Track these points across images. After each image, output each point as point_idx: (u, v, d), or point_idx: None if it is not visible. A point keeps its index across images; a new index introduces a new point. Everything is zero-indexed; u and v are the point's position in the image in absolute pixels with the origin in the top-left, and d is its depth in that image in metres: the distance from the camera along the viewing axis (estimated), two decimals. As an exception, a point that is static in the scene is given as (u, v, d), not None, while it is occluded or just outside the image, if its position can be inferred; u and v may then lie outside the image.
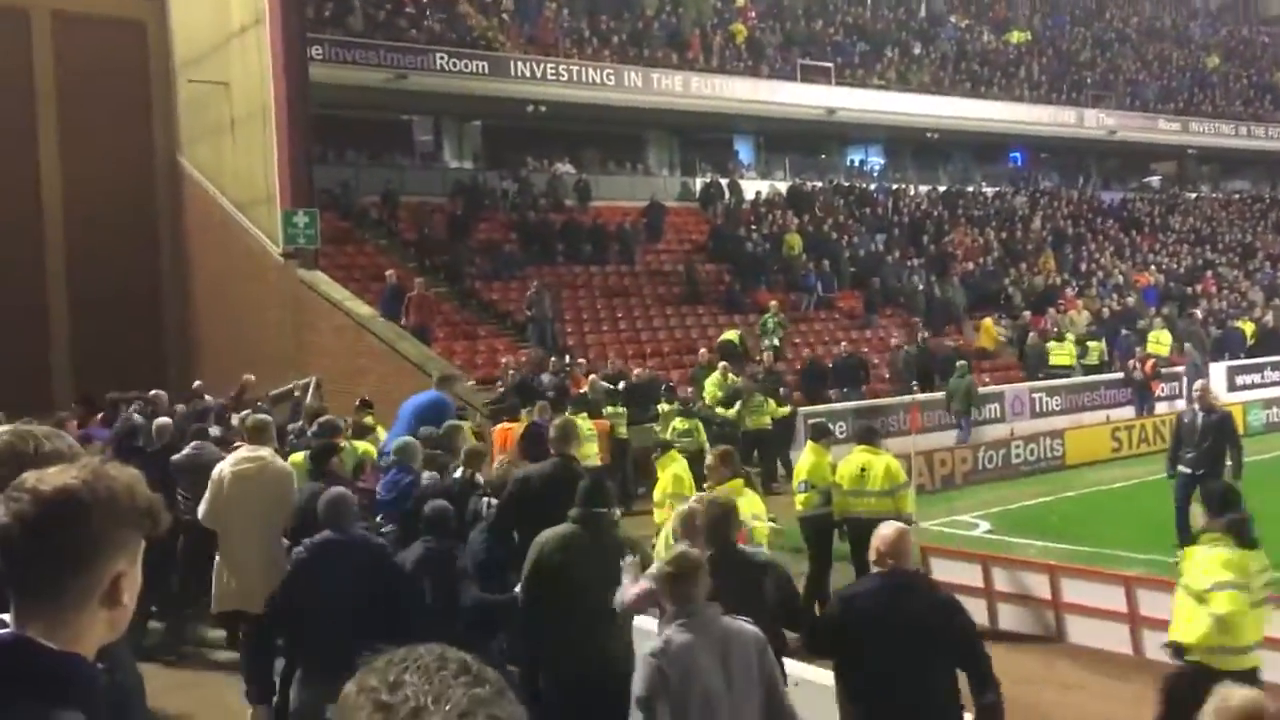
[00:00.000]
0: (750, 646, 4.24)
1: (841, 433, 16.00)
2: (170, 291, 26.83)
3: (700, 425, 15.61)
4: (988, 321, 24.45)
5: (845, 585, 5.73)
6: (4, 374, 21.72)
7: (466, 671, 1.13)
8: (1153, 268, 30.52)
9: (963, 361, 20.68)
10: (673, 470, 9.88)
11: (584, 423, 12.95)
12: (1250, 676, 5.72)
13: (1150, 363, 22.34)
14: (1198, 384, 14.09)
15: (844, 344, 22.22)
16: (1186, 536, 11.54)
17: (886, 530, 5.09)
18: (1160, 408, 22.09)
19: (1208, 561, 6.07)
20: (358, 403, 13.74)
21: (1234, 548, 6.08)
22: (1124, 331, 24.26)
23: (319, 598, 5.66)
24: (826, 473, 10.39)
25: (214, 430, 11.05)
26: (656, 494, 9.94)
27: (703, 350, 20.20)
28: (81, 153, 25.22)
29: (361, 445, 10.21)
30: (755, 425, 16.81)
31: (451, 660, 1.14)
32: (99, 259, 24.89)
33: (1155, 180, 40.76)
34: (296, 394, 18.41)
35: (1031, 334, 23.73)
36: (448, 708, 1.08)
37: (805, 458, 10.72)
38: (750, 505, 7.72)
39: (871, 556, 5.08)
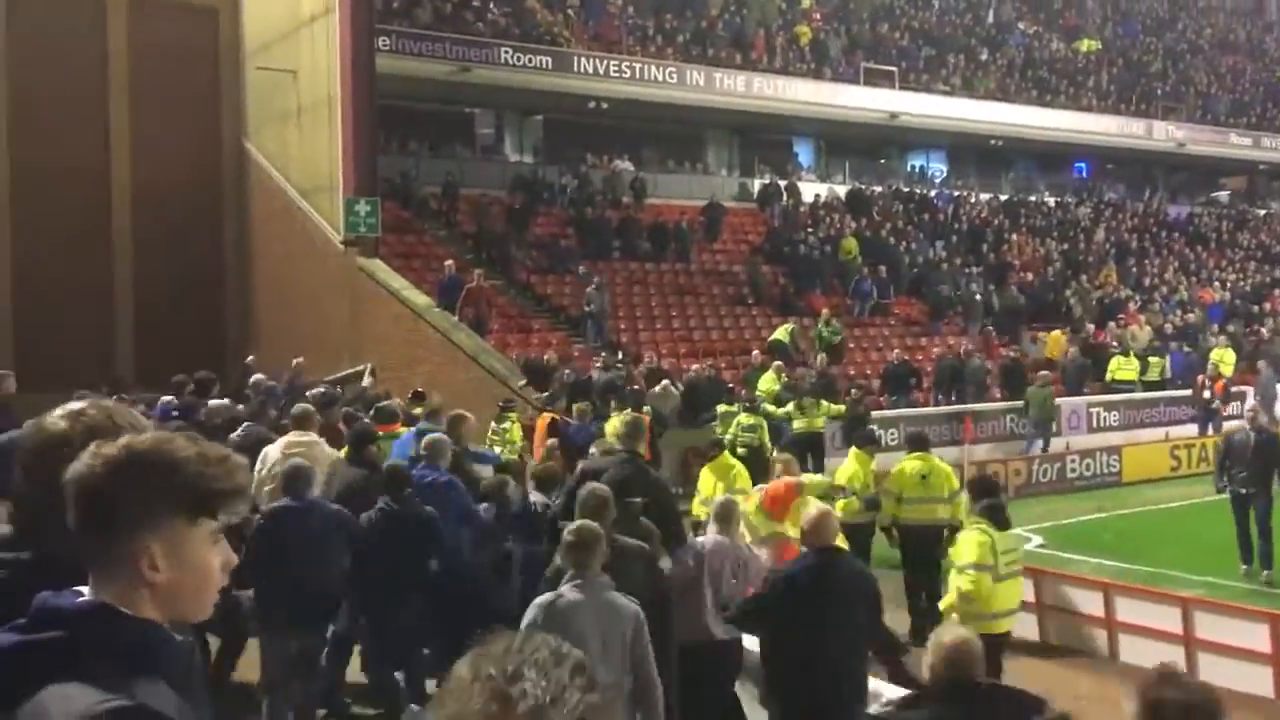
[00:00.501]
0: (629, 621, 4.74)
1: (892, 440, 15.91)
2: (232, 274, 27.25)
3: (764, 423, 15.67)
4: (1056, 333, 24.03)
5: (778, 570, 6.22)
6: (69, 351, 22.24)
7: (582, 672, 1.15)
8: (1217, 284, 29.92)
9: (1045, 372, 20.56)
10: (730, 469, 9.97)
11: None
12: (998, 641, 6.94)
13: (1221, 384, 21.87)
14: (1249, 405, 14.30)
15: (896, 350, 22.01)
16: (1249, 553, 11.64)
17: (811, 512, 6.01)
18: (1227, 427, 21.63)
19: (965, 543, 7.24)
20: (411, 394, 13.86)
21: (988, 531, 7.21)
22: (1186, 349, 23.80)
23: (281, 557, 6.35)
24: (869, 480, 10.32)
25: (272, 413, 11.25)
26: (708, 490, 9.93)
27: (755, 351, 20.15)
28: (151, 136, 25.68)
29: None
30: (808, 428, 16.70)
31: (567, 657, 1.16)
32: (165, 241, 25.33)
33: (1224, 195, 39.93)
34: (360, 380, 18.54)
35: (1071, 349, 23.21)
36: (565, 711, 1.10)
37: (849, 464, 10.61)
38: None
39: (802, 534, 5.94)
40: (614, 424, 14.74)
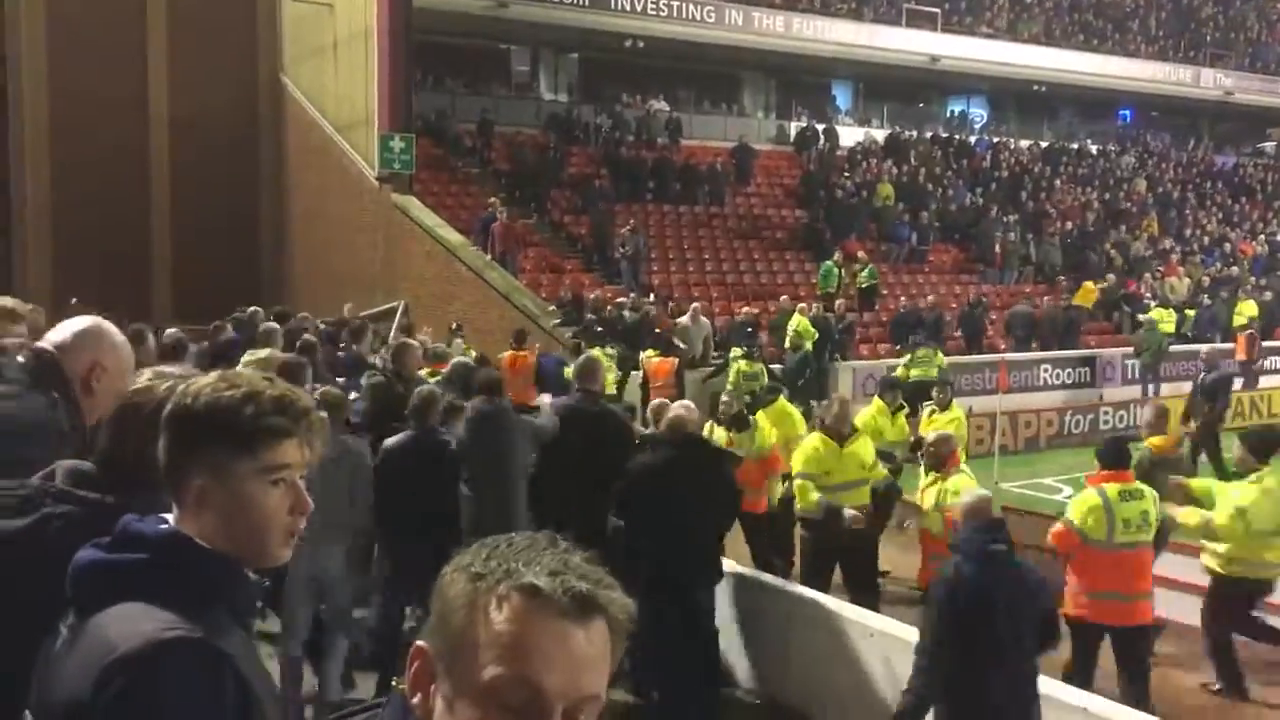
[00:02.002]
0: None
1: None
2: (268, 208, 27.36)
3: (764, 370, 15.42)
4: (1088, 284, 23.72)
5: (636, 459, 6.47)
6: (106, 284, 22.45)
7: (556, 546, 1.16)
8: (1261, 237, 29.42)
9: (1150, 316, 20.64)
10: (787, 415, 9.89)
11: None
12: None
13: (1244, 339, 21.61)
14: (1206, 349, 15.45)
15: (930, 297, 21.82)
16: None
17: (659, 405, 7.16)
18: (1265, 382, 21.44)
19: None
20: (452, 326, 13.96)
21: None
22: (1206, 301, 23.40)
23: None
24: (884, 430, 10.23)
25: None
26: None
27: (784, 296, 19.91)
28: (188, 70, 25.68)
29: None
30: (924, 376, 16.26)
31: (543, 539, 1.17)
32: (201, 175, 25.43)
33: (1270, 146, 39.10)
34: (392, 317, 18.66)
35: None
36: (537, 568, 1.11)
37: (863, 413, 10.39)
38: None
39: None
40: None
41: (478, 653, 1.10)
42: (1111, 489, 6.62)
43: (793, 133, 29.15)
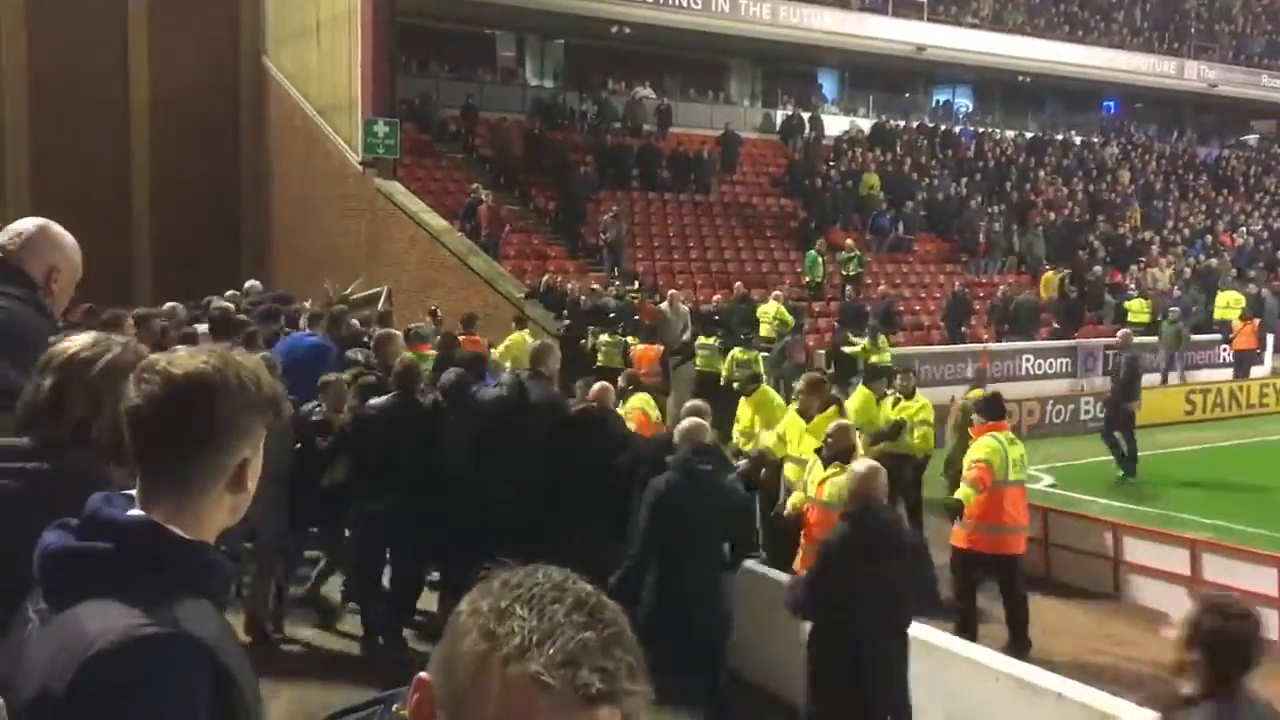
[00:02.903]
0: None
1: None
2: (249, 192, 27.19)
3: (759, 356, 15.49)
4: (1049, 274, 23.72)
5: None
6: (86, 265, 22.22)
7: (581, 608, 1.09)
8: (1242, 229, 29.56)
9: (1175, 309, 20.82)
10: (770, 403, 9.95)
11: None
12: None
13: (1244, 330, 21.86)
14: (1121, 333, 15.90)
15: (883, 286, 21.78)
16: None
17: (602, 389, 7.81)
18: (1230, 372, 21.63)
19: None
20: (429, 311, 13.94)
21: None
22: (1176, 293, 23.48)
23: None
24: (875, 418, 10.31)
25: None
26: (745, 422, 9.93)
27: (738, 284, 19.49)
28: (170, 52, 25.47)
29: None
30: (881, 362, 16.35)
31: (569, 593, 1.10)
32: (182, 157, 25.23)
33: (1253, 138, 39.28)
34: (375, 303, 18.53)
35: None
36: (551, 652, 1.04)
37: (853, 401, 10.55)
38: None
39: None
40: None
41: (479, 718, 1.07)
42: (1000, 435, 7.88)
43: (778, 121, 29.12)
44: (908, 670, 5.18)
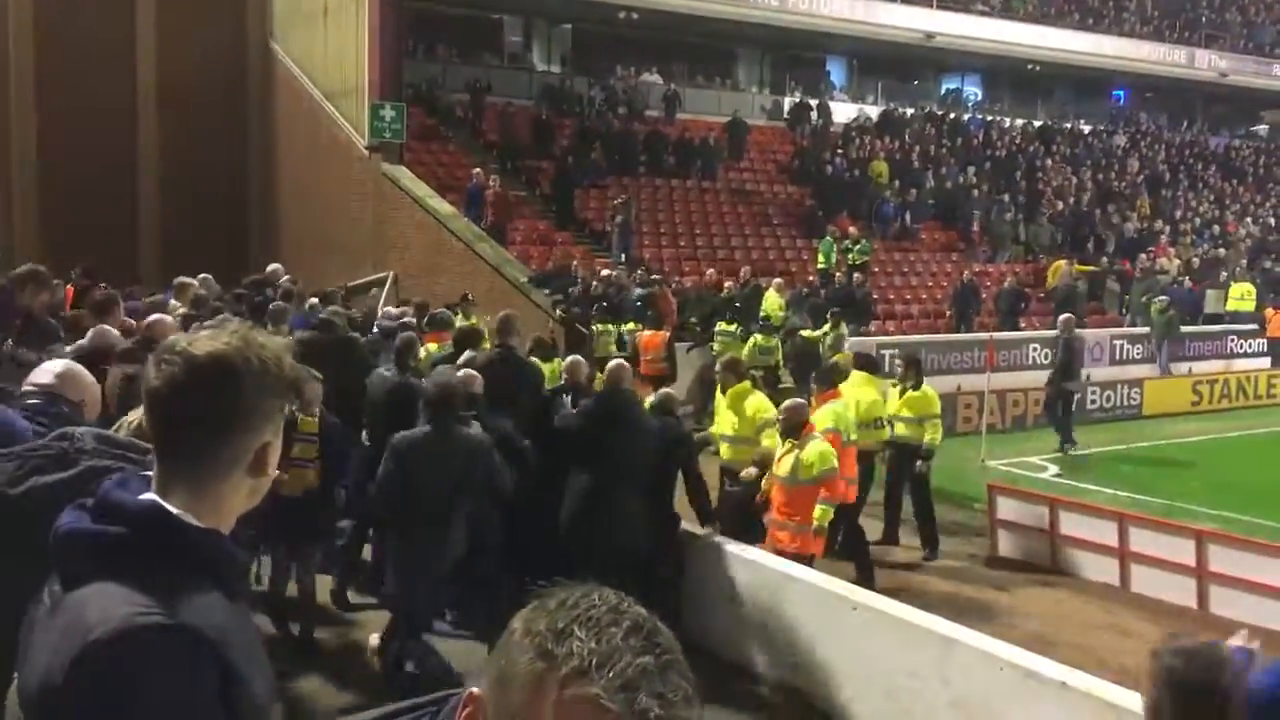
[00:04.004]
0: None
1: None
2: (257, 175, 27.17)
3: (779, 344, 15.66)
4: (1060, 262, 23.68)
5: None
6: (94, 248, 22.29)
7: (638, 632, 1.07)
8: (1248, 220, 29.44)
9: (1164, 297, 20.78)
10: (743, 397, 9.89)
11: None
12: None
13: (1276, 318, 21.93)
14: (1062, 318, 16.38)
15: (920, 276, 21.86)
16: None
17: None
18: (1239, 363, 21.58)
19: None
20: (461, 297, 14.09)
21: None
22: (1187, 284, 23.38)
23: None
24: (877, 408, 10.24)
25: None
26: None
27: (745, 269, 19.57)
28: (177, 35, 25.42)
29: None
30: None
31: (626, 616, 1.09)
32: (189, 141, 25.22)
33: (1263, 129, 39.07)
34: (374, 290, 18.65)
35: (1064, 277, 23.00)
36: (610, 675, 1.03)
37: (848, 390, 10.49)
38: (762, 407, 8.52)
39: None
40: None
41: None
42: (845, 399, 8.98)
43: (786, 108, 29.01)
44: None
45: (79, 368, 3.51)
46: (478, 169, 20.63)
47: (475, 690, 1.11)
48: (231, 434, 1.64)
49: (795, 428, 7.40)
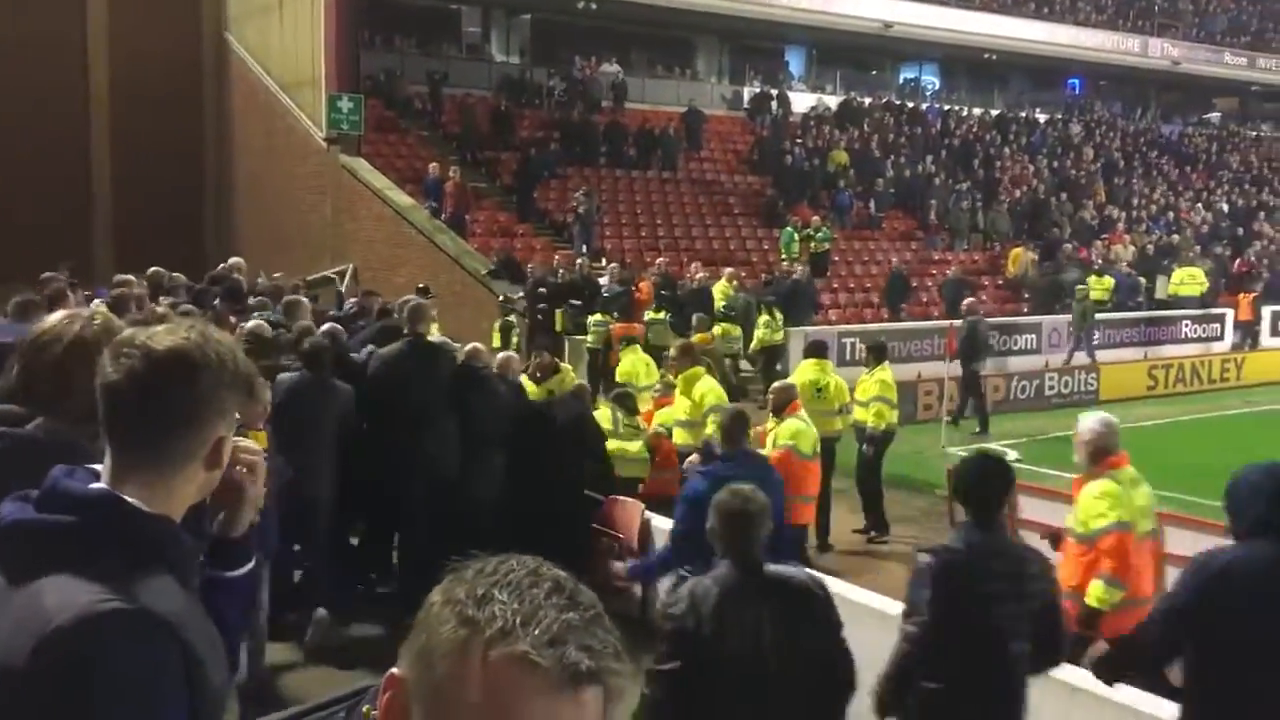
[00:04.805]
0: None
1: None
2: (212, 167, 26.88)
3: (739, 332, 15.82)
4: (1017, 249, 23.90)
5: None
6: (47, 243, 21.93)
7: (560, 591, 1.08)
8: (1199, 206, 29.88)
9: (1082, 286, 20.82)
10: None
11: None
12: None
13: (1247, 301, 22.34)
14: (967, 301, 16.76)
15: (880, 265, 21.97)
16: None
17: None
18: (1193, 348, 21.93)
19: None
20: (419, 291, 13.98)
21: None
22: (1128, 271, 23.64)
23: None
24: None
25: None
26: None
27: (694, 265, 19.37)
28: (130, 28, 25.07)
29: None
30: (769, 340, 16.51)
31: (545, 578, 1.09)
32: (143, 134, 24.90)
33: (1215, 116, 39.64)
34: (336, 282, 18.49)
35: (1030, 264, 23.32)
36: (536, 632, 1.03)
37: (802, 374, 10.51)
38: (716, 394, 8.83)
39: None
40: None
41: (462, 711, 1.04)
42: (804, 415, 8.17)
43: (746, 98, 29.06)
44: None
45: None
46: (434, 164, 20.48)
47: (395, 671, 1.09)
48: (188, 427, 1.65)
49: (780, 407, 7.91)
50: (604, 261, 18.56)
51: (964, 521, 4.19)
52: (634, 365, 11.67)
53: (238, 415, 1.73)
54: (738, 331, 15.92)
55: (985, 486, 4.13)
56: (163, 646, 1.50)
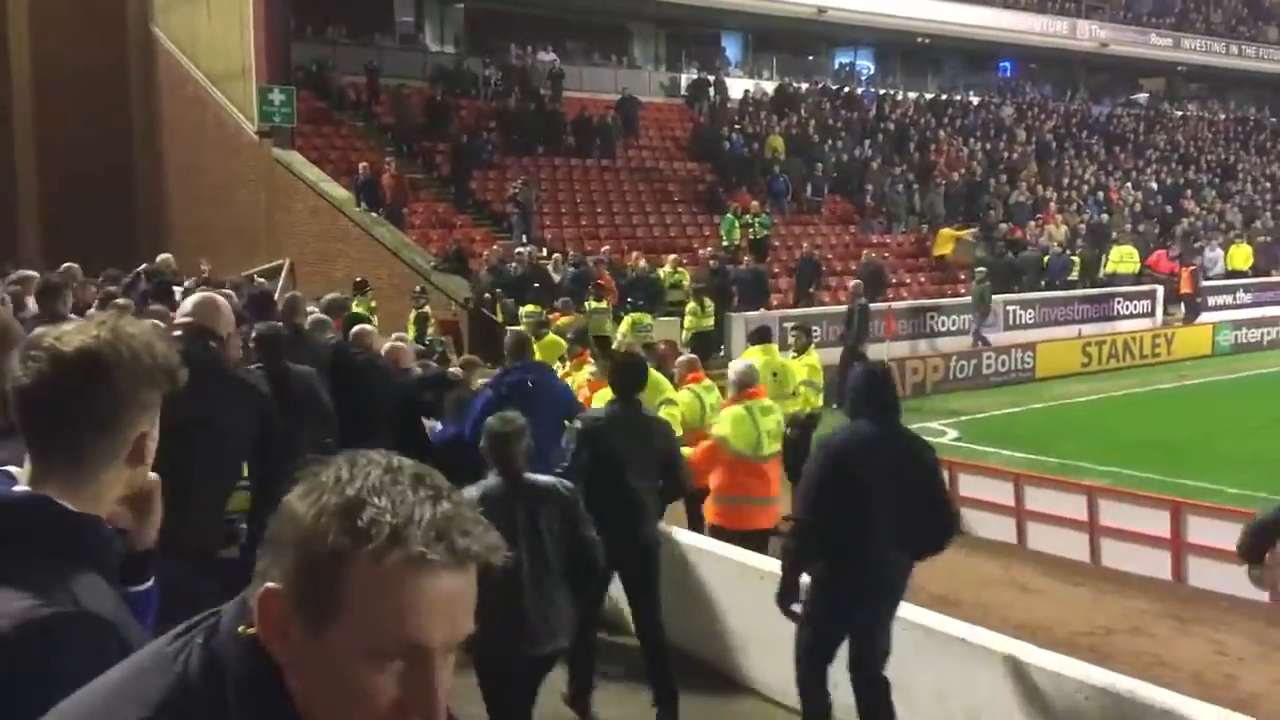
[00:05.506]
0: None
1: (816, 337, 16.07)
2: (141, 165, 26.33)
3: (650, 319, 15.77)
4: (945, 230, 24.16)
5: None
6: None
7: (422, 482, 1.10)
8: (1128, 185, 30.47)
9: (982, 269, 20.91)
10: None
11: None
12: None
13: (1188, 274, 22.99)
14: (852, 284, 17.22)
15: (820, 250, 22.09)
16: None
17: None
18: (1124, 324, 22.39)
19: None
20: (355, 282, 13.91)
21: None
22: (1056, 250, 24.03)
23: None
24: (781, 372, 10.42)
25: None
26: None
27: (634, 254, 19.46)
28: (51, 22, 24.45)
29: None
30: (698, 327, 16.62)
31: (404, 471, 1.10)
32: (69, 131, 24.33)
33: (1142, 97, 40.40)
34: (276, 275, 18.23)
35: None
36: (421, 530, 1.05)
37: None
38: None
39: None
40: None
41: (362, 617, 1.06)
42: (751, 404, 7.07)
43: (683, 85, 29.07)
44: None
45: None
46: (364, 163, 20.02)
47: (271, 585, 1.08)
48: (106, 428, 1.60)
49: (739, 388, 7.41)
50: (545, 251, 18.49)
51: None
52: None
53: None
54: (649, 319, 15.79)
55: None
56: (107, 647, 1.46)
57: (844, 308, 17.80)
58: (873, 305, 19.67)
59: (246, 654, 1.12)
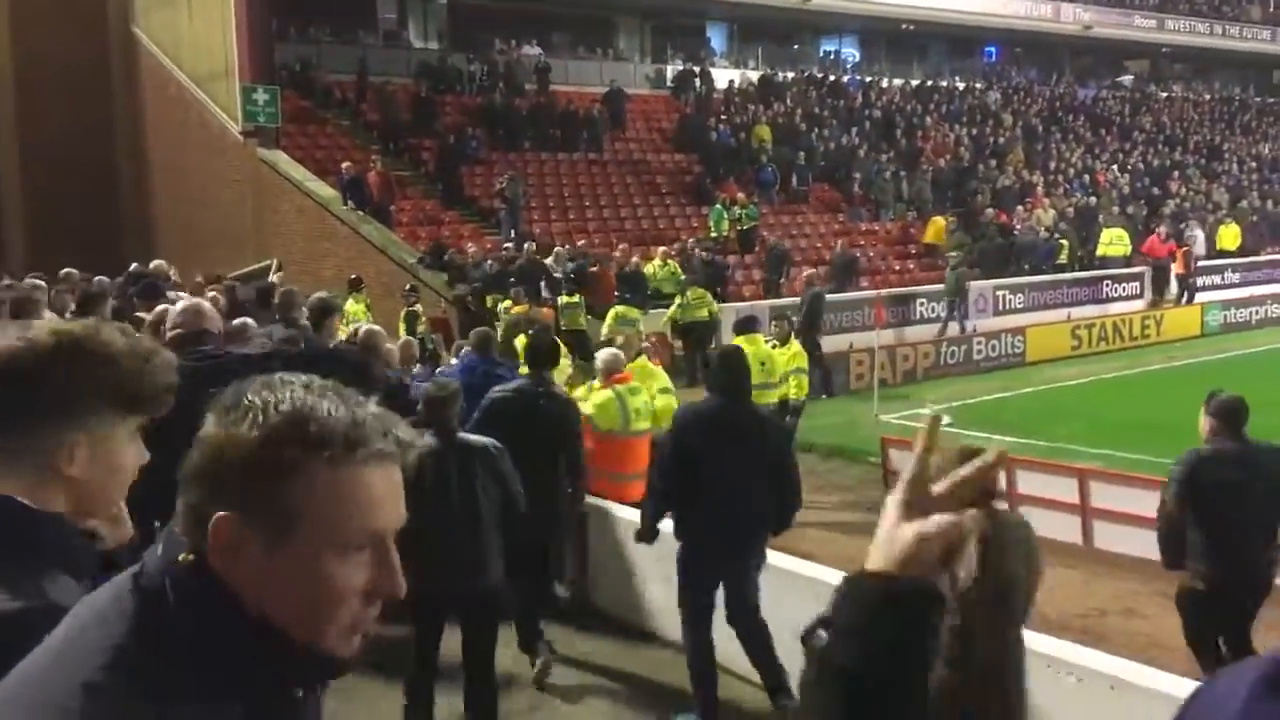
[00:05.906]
0: None
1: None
2: (125, 166, 26.22)
3: (641, 316, 15.69)
4: (937, 218, 24.17)
5: None
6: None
7: (341, 391, 1.18)
8: (1114, 167, 30.51)
9: (955, 254, 20.77)
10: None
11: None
12: None
13: (1182, 255, 23.04)
14: (807, 273, 17.26)
15: (809, 238, 22.12)
16: None
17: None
18: (1114, 307, 22.45)
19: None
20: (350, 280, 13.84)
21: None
22: (1044, 235, 24.04)
23: None
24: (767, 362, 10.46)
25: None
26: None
27: (622, 247, 19.46)
28: (32, 24, 24.32)
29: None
30: (692, 318, 16.55)
31: (319, 384, 1.18)
32: (52, 134, 24.23)
33: (1127, 79, 40.45)
34: (264, 275, 18.11)
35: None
36: (368, 431, 1.15)
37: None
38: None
39: None
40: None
41: (323, 516, 1.12)
42: (618, 388, 7.59)
43: (669, 76, 29.03)
44: None
45: None
46: (347, 163, 19.91)
47: (223, 513, 1.11)
48: (29, 433, 1.56)
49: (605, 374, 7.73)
50: (533, 246, 18.44)
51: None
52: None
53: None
54: (636, 314, 15.73)
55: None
56: None
57: (833, 296, 17.85)
58: (864, 294, 19.84)
59: (192, 575, 1.13)
